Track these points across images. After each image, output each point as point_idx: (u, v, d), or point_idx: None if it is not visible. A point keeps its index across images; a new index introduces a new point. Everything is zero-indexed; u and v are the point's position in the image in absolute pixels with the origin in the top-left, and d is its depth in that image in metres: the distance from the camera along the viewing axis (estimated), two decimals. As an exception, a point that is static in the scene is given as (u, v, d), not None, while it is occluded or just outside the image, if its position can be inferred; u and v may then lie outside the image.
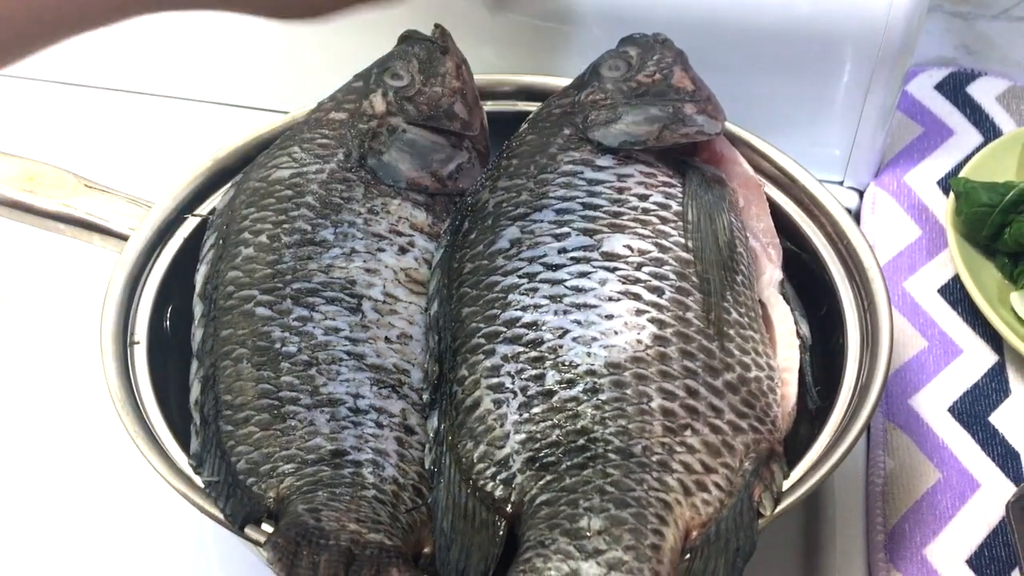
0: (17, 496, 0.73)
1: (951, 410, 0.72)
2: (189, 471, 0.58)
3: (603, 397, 0.55)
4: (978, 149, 0.85)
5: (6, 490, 0.73)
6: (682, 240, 0.62)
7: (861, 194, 0.87)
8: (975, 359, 0.75)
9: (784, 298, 0.65)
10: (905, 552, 0.65)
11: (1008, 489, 0.67)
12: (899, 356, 0.75)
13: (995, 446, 0.70)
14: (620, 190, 0.64)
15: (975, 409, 0.72)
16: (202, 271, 0.65)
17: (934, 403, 0.72)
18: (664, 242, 0.61)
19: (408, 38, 0.73)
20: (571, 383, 0.56)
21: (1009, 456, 0.70)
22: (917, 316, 0.77)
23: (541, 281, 0.60)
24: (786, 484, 0.55)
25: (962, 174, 0.81)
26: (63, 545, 0.71)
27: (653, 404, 0.55)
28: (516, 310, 0.59)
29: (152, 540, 0.70)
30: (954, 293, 0.78)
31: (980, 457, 0.69)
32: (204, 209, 0.70)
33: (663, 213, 0.63)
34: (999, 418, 0.71)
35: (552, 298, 0.59)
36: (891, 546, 0.65)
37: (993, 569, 0.64)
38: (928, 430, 0.71)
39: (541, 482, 0.54)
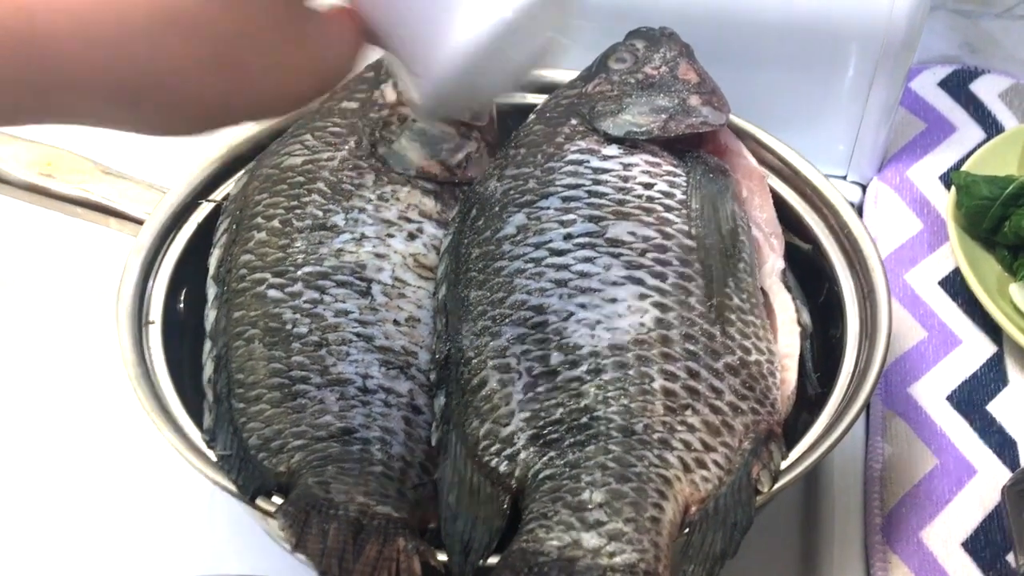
0: (38, 469, 0.74)
1: (949, 399, 0.73)
2: (202, 446, 0.59)
3: (606, 377, 0.57)
4: (980, 145, 0.85)
5: (29, 464, 0.75)
6: (685, 228, 0.63)
7: (864, 188, 0.88)
8: (974, 349, 0.76)
9: (786, 287, 0.66)
10: (902, 535, 0.66)
11: (1004, 475, 0.68)
12: (899, 346, 0.76)
13: (992, 434, 0.71)
14: (625, 179, 0.65)
15: (973, 398, 0.73)
16: (215, 255, 0.67)
17: (933, 392, 0.73)
18: (668, 229, 0.62)
19: (419, 30, 0.74)
20: (575, 364, 0.57)
21: (1006, 444, 0.71)
22: (917, 307, 0.78)
23: (547, 266, 0.61)
24: (784, 464, 0.57)
25: (963, 169, 0.82)
26: (81, 516, 0.72)
27: (655, 384, 0.56)
28: (522, 294, 0.61)
29: (166, 511, 0.72)
30: (954, 285, 0.79)
31: (977, 444, 0.70)
32: (218, 195, 0.71)
33: (667, 201, 0.64)
34: (997, 407, 0.72)
35: (557, 282, 0.60)
36: (888, 529, 0.66)
37: (988, 552, 0.65)
38: (927, 418, 0.72)
39: (544, 458, 0.55)
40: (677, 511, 0.54)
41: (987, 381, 0.74)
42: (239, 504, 0.57)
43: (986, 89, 0.92)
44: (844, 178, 0.88)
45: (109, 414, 0.75)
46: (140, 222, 0.70)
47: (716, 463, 0.55)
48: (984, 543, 0.66)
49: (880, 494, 0.68)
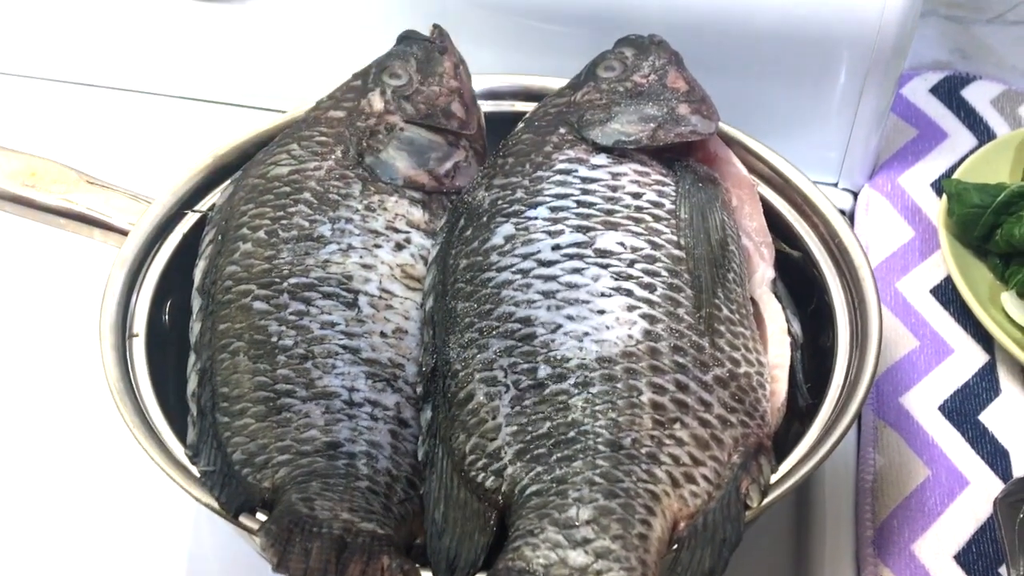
0: (19, 484, 0.74)
1: (941, 409, 0.73)
2: (186, 461, 0.58)
3: (594, 391, 0.56)
4: (972, 152, 0.85)
5: (7, 479, 0.74)
6: (675, 238, 0.62)
7: (855, 196, 0.87)
8: (966, 358, 0.75)
9: (776, 297, 0.66)
10: (893, 548, 0.66)
11: (997, 486, 0.68)
12: (890, 355, 0.75)
13: (984, 444, 0.71)
14: (614, 188, 0.64)
15: (965, 408, 0.72)
16: (201, 266, 0.66)
17: (925, 402, 0.73)
18: (657, 239, 0.62)
19: (407, 38, 0.73)
20: (562, 377, 0.57)
21: (998, 454, 0.70)
22: (909, 316, 0.78)
23: (535, 277, 0.61)
24: (774, 478, 0.56)
25: (955, 176, 0.81)
26: (62, 532, 0.71)
27: (643, 398, 0.56)
28: (510, 305, 0.60)
29: (148, 529, 0.71)
30: (946, 293, 0.79)
31: (969, 455, 0.70)
32: (203, 205, 0.71)
33: (656, 211, 0.64)
34: (989, 417, 0.72)
35: (545, 294, 0.60)
36: (880, 542, 0.66)
37: (980, 565, 0.65)
38: (918, 428, 0.71)
39: (531, 473, 0.54)
40: (665, 527, 0.53)
41: (979, 391, 0.73)
42: (224, 520, 0.56)
43: (978, 95, 0.92)
44: (835, 185, 0.88)
45: (92, 428, 0.74)
46: (124, 233, 0.69)
47: (705, 478, 0.55)
48: (976, 556, 0.65)
49: (871, 506, 0.67)
